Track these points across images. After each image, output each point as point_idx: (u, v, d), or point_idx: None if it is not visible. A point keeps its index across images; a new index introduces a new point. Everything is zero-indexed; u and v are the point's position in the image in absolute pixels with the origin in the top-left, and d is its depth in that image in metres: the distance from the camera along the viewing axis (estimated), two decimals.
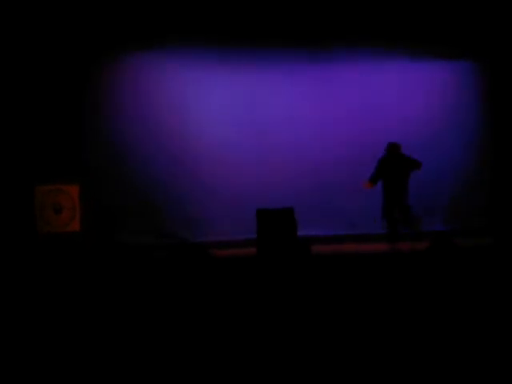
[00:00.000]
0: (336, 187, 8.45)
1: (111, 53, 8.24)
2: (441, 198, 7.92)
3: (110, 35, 8.00)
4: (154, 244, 7.24)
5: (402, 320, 3.91)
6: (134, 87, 8.29)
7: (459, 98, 8.75)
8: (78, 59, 7.96)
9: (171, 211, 8.19)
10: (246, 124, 8.45)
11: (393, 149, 7.51)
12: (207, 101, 8.42)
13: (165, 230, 7.95)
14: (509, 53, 8.34)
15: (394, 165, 7.45)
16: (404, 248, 6.85)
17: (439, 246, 6.77)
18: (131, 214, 8.04)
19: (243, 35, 8.26)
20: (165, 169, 8.21)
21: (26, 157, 7.77)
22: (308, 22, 8.21)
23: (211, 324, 4.03)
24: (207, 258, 6.35)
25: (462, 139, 8.48)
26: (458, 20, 8.10)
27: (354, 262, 6.10)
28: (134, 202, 8.07)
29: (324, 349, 3.44)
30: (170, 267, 5.79)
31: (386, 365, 3.21)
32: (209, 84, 8.42)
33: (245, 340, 3.69)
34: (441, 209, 8.08)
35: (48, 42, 7.76)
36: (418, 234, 7.26)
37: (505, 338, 3.51)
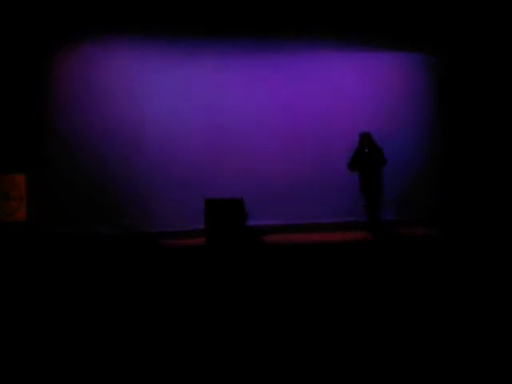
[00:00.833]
0: (287, 176, 8.47)
1: (63, 42, 8.11)
2: (391, 189, 8.03)
3: (62, 24, 7.86)
4: (104, 234, 7.10)
5: (347, 308, 3.91)
6: (85, 76, 8.17)
7: (410, 89, 8.96)
8: (28, 48, 7.79)
9: (122, 201, 8.06)
10: (197, 113, 8.41)
11: (364, 139, 7.55)
12: (159, 89, 8.34)
13: (116, 220, 7.69)
14: (460, 46, 8.58)
15: (367, 155, 7.51)
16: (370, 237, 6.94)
17: (385, 236, 6.92)
18: (82, 203, 7.89)
19: (196, 23, 8.19)
20: (115, 159, 8.09)
21: None
22: (259, 11, 8.18)
23: (160, 314, 3.91)
24: (158, 248, 6.22)
25: (413, 131, 8.68)
26: (410, 12, 8.26)
27: (305, 252, 6.09)
28: (84, 191, 7.93)
29: (270, 337, 3.40)
30: (119, 257, 5.62)
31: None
32: (160, 72, 8.36)
33: (193, 330, 3.57)
34: (391, 200, 8.20)
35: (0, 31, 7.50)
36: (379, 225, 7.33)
37: (447, 324, 3.55)
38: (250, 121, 8.52)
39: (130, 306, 4.10)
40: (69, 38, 8.07)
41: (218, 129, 8.43)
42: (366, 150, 7.47)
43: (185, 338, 3.42)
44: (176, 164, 8.24)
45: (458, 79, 8.65)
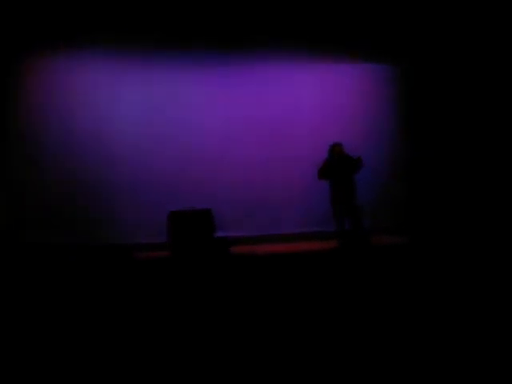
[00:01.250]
0: (255, 187, 8.50)
1: (27, 54, 8.06)
2: (359, 197, 8.10)
3: (25, 36, 7.84)
4: (71, 245, 7.02)
5: (315, 316, 3.93)
6: (49, 89, 8.13)
7: (376, 100, 9.09)
8: None
9: (86, 212, 7.96)
10: (162, 125, 8.36)
11: (335, 150, 7.54)
12: (122, 101, 8.32)
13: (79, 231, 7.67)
14: (426, 57, 8.75)
15: (337, 165, 7.51)
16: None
17: (353, 244, 6.97)
18: (45, 214, 7.78)
19: (164, 36, 8.25)
20: (79, 170, 8.01)
21: None
22: (229, 23, 8.25)
23: (126, 324, 3.84)
24: (126, 259, 6.12)
25: (381, 141, 8.80)
26: (378, 23, 8.40)
27: (272, 263, 6.08)
28: (48, 202, 7.82)
29: (238, 349, 3.39)
30: (86, 268, 5.50)
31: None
32: (124, 85, 8.35)
33: (159, 340, 3.51)
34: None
35: None
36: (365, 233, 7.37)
37: (413, 328, 3.57)
38: (215, 133, 8.52)
39: (95, 317, 4.02)
40: (32, 51, 8.04)
41: (183, 141, 8.40)
42: (336, 160, 7.51)
43: (151, 351, 3.37)
44: (142, 176, 8.19)
45: (423, 89, 8.83)
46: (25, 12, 7.60)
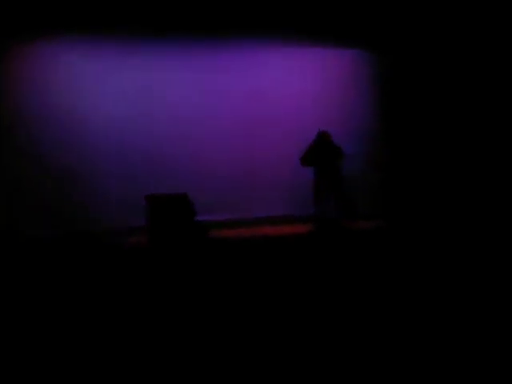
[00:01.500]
0: (235, 170, 8.52)
1: (11, 41, 7.91)
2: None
3: (11, 23, 7.71)
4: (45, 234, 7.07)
5: (292, 300, 4.01)
6: (31, 76, 8.00)
7: (352, 85, 9.11)
8: None
9: (62, 199, 7.88)
10: (140, 109, 8.31)
11: (322, 137, 7.75)
12: (102, 88, 8.23)
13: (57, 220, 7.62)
14: (402, 41, 8.79)
15: (322, 152, 7.71)
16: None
17: (327, 229, 7.08)
18: (21, 204, 7.73)
19: (141, 23, 8.14)
20: (55, 155, 7.92)
21: None
22: (199, 10, 8.14)
23: (102, 313, 3.83)
24: (101, 247, 6.08)
25: (355, 127, 8.84)
26: (350, 8, 8.39)
27: (251, 246, 6.13)
28: (22, 191, 7.76)
29: (218, 333, 3.44)
30: (60, 257, 5.45)
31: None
32: (104, 71, 8.25)
33: (137, 329, 3.52)
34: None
35: None
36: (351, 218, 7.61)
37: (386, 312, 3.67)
38: (193, 117, 8.47)
39: (70, 307, 4.00)
40: (18, 38, 7.90)
41: (163, 126, 8.35)
42: (321, 147, 7.69)
43: (128, 339, 3.38)
44: (122, 160, 8.16)
45: (400, 75, 8.89)
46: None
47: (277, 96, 8.73)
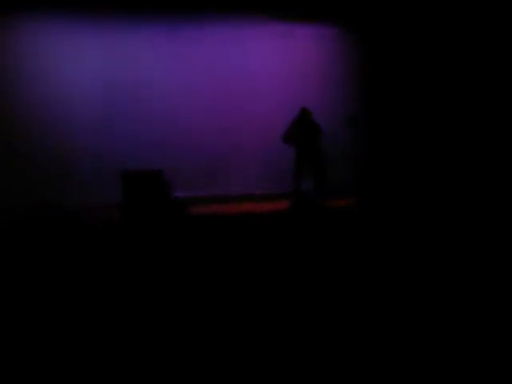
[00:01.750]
0: (213, 147, 8.56)
1: None
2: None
3: None
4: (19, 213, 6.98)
5: (269, 279, 4.04)
6: (12, 49, 7.97)
7: (332, 64, 9.18)
8: None
9: (39, 174, 7.87)
10: (117, 85, 8.29)
11: (304, 114, 7.87)
12: (83, 64, 8.20)
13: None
14: (382, 21, 8.85)
15: (304, 129, 7.83)
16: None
17: (302, 206, 7.12)
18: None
19: None
20: (40, 131, 7.94)
21: None
22: None
23: (78, 293, 3.81)
24: (75, 224, 6.03)
25: (331, 105, 8.86)
26: None
27: (226, 223, 6.15)
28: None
29: (198, 312, 3.46)
30: (34, 236, 5.39)
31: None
32: (80, 45, 8.19)
33: (113, 308, 3.51)
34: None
35: None
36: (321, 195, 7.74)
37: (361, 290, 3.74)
38: (173, 93, 8.47)
39: (42, 284, 3.97)
40: None
41: (141, 102, 8.35)
42: (303, 124, 7.82)
43: (105, 318, 3.37)
44: (99, 137, 8.13)
45: (379, 55, 8.95)
46: None
47: (256, 73, 8.76)
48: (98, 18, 8.17)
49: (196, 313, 3.39)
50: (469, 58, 7.96)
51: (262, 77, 8.76)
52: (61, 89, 8.03)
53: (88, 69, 8.14)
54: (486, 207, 6.59)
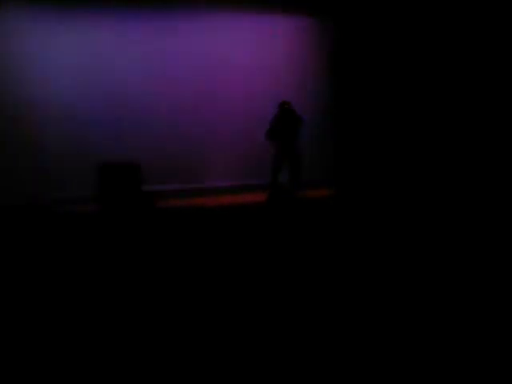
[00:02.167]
0: (186, 139, 8.49)
1: None
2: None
3: None
4: None
5: (244, 270, 4.10)
6: None
7: (306, 54, 9.15)
8: None
9: (15, 168, 7.74)
10: (90, 75, 8.16)
11: (284, 107, 7.83)
12: (57, 51, 8.05)
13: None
14: (351, 10, 8.85)
15: (285, 121, 7.80)
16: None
17: (277, 197, 7.18)
18: None
19: None
20: (13, 119, 7.78)
21: None
22: None
23: (54, 283, 3.83)
24: (50, 215, 6.02)
25: (307, 96, 8.86)
26: None
27: (201, 215, 6.18)
28: None
29: (170, 303, 3.50)
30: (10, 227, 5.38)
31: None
32: (53, 41, 8.04)
33: (86, 298, 3.54)
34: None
35: None
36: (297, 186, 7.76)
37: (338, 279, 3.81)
38: (148, 83, 8.35)
39: (18, 276, 3.98)
40: None
41: (116, 92, 8.21)
42: (285, 118, 7.79)
43: (76, 308, 3.39)
44: (73, 128, 8.02)
45: (353, 44, 8.93)
46: None
47: (231, 65, 8.68)
48: (71, 12, 8.05)
49: (169, 305, 3.42)
50: (441, 45, 8.04)
51: (238, 69, 8.71)
52: (34, 84, 7.90)
53: (61, 63, 8.02)
54: (460, 197, 6.71)
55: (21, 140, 7.78)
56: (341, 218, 5.95)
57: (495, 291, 3.48)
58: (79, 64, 8.08)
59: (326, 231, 5.23)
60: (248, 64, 8.75)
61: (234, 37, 8.77)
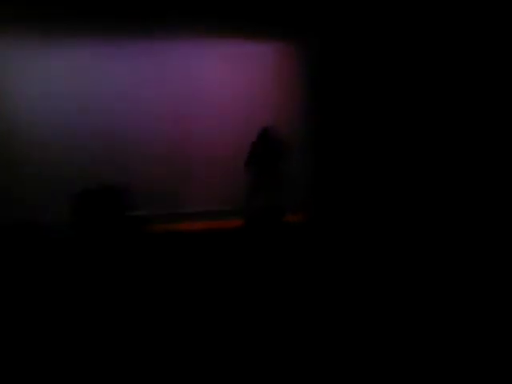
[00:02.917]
0: (170, 164, 8.67)
1: None
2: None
3: None
4: None
5: (225, 294, 4.27)
6: None
7: (282, 77, 9.33)
8: None
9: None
10: (75, 100, 8.31)
11: (264, 134, 7.97)
12: (32, 77, 8.17)
13: None
14: (334, 32, 8.95)
15: (264, 150, 7.93)
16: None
17: (254, 223, 7.33)
18: None
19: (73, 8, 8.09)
20: None
21: None
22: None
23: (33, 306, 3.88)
24: (38, 238, 6.04)
25: (285, 122, 8.91)
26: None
27: (184, 241, 6.27)
28: None
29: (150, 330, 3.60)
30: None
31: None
32: (26, 58, 8.16)
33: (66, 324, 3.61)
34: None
35: None
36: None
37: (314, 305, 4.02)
38: (129, 108, 8.54)
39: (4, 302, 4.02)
40: None
41: (98, 117, 8.35)
42: (264, 146, 7.92)
43: (56, 332, 3.50)
44: (53, 152, 8.13)
45: (331, 66, 9.02)
46: None
47: (209, 86, 8.86)
48: (48, 29, 8.14)
49: (150, 328, 3.53)
50: (429, 75, 8.23)
51: (216, 89, 8.90)
52: (20, 109, 8.03)
53: (34, 82, 8.13)
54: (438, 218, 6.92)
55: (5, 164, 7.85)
56: (318, 242, 6.12)
57: (492, 299, 3.67)
58: (50, 87, 8.17)
59: (304, 255, 5.38)
60: (225, 92, 8.91)
61: (213, 60, 8.94)
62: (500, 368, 2.77)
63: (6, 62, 8.02)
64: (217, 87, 8.96)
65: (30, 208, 7.78)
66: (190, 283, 4.46)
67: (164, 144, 8.67)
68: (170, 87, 8.78)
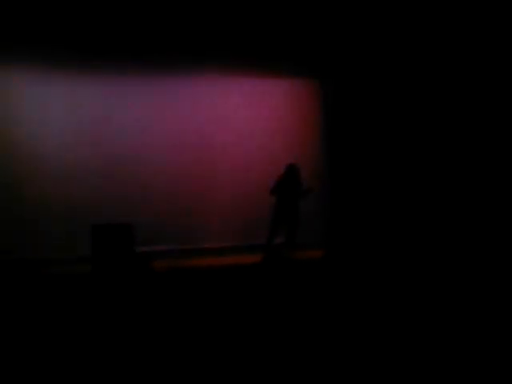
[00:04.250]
0: (178, 201, 8.68)
1: None
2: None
3: None
4: None
5: (238, 332, 4.19)
6: None
7: (298, 116, 9.49)
8: None
9: (8, 226, 7.85)
10: (87, 137, 8.44)
11: (290, 170, 8.14)
12: (44, 112, 8.27)
13: None
14: (347, 71, 9.18)
15: (289, 185, 8.11)
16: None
17: (272, 259, 7.30)
18: None
19: (86, 46, 8.26)
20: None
21: None
22: (153, 34, 8.33)
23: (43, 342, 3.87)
24: (38, 275, 6.09)
25: (303, 154, 9.04)
26: (295, 37, 8.69)
27: (195, 277, 6.25)
28: None
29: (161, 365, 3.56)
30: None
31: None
32: (43, 94, 8.28)
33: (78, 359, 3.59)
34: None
35: None
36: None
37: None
38: (143, 144, 8.65)
39: (9, 337, 4.03)
40: None
41: (105, 155, 8.45)
42: (290, 180, 8.08)
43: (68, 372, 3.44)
44: (64, 188, 8.20)
45: (345, 105, 9.22)
46: None
47: (225, 122, 9.01)
48: (69, 73, 8.35)
49: (160, 364, 3.50)
50: (431, 103, 8.39)
51: (231, 126, 9.03)
52: (24, 140, 8.10)
53: (51, 119, 8.24)
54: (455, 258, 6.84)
55: (16, 198, 7.91)
56: (333, 279, 6.07)
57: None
58: (75, 125, 8.32)
59: (319, 292, 5.33)
60: (242, 128, 9.06)
61: (231, 100, 9.13)
62: (500, 368, 2.73)
63: (20, 99, 8.15)
64: (235, 125, 9.08)
65: (40, 244, 7.85)
66: (198, 322, 4.43)
67: (184, 180, 8.76)
68: (185, 124, 8.89)
